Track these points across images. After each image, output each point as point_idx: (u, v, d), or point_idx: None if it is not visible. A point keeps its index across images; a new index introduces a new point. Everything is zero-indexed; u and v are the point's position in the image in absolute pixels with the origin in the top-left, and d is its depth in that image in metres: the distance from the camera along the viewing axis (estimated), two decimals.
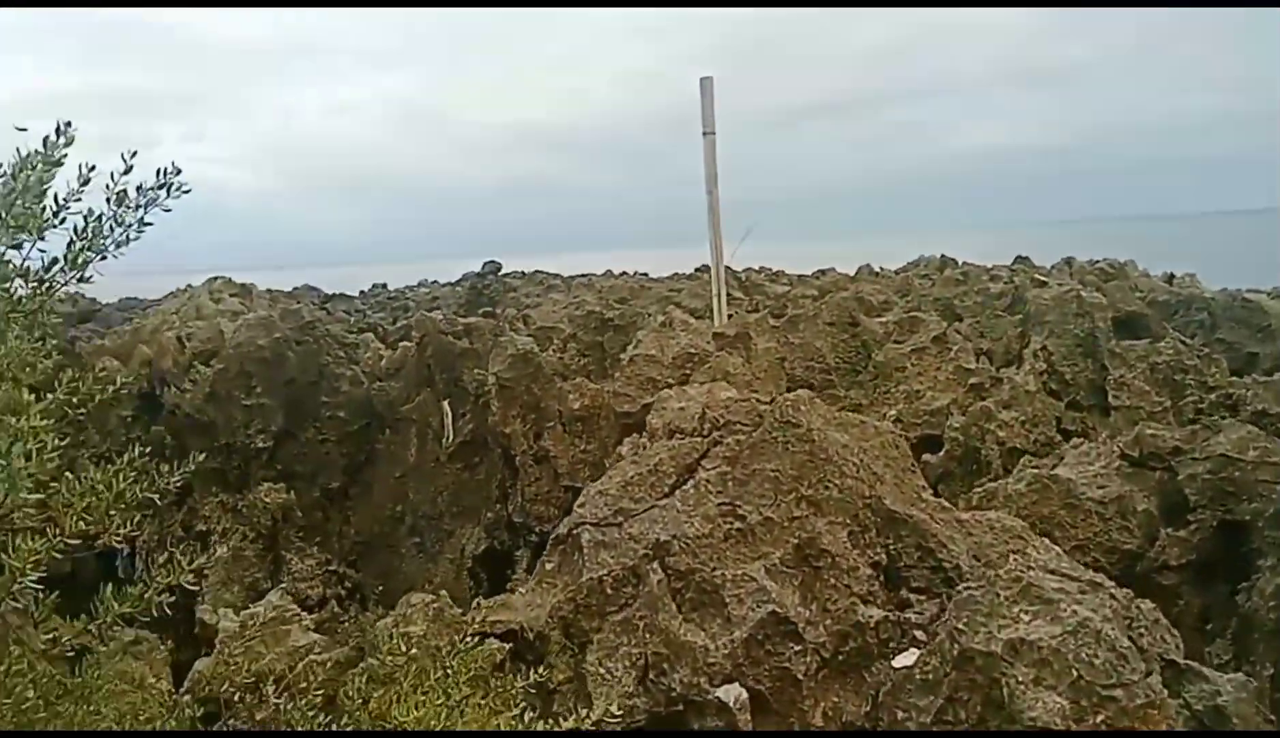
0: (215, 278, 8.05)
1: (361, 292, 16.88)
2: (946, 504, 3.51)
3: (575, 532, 2.89)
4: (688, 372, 6.88)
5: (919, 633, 2.68)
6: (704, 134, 7.53)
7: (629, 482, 3.12)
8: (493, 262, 13.38)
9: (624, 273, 14.03)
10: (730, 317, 8.61)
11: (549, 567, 2.87)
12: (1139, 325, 7.32)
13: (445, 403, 6.48)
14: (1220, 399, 6.15)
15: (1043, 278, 10.49)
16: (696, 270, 12.53)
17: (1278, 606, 3.20)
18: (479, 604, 2.79)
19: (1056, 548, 2.66)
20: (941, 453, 5.86)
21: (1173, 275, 11.36)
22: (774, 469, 3.17)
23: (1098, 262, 11.59)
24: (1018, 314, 7.54)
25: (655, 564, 2.76)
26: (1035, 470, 3.91)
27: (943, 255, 11.84)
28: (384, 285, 17.64)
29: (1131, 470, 3.86)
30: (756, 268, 12.83)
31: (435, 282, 18.58)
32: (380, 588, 5.71)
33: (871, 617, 2.75)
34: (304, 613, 3.85)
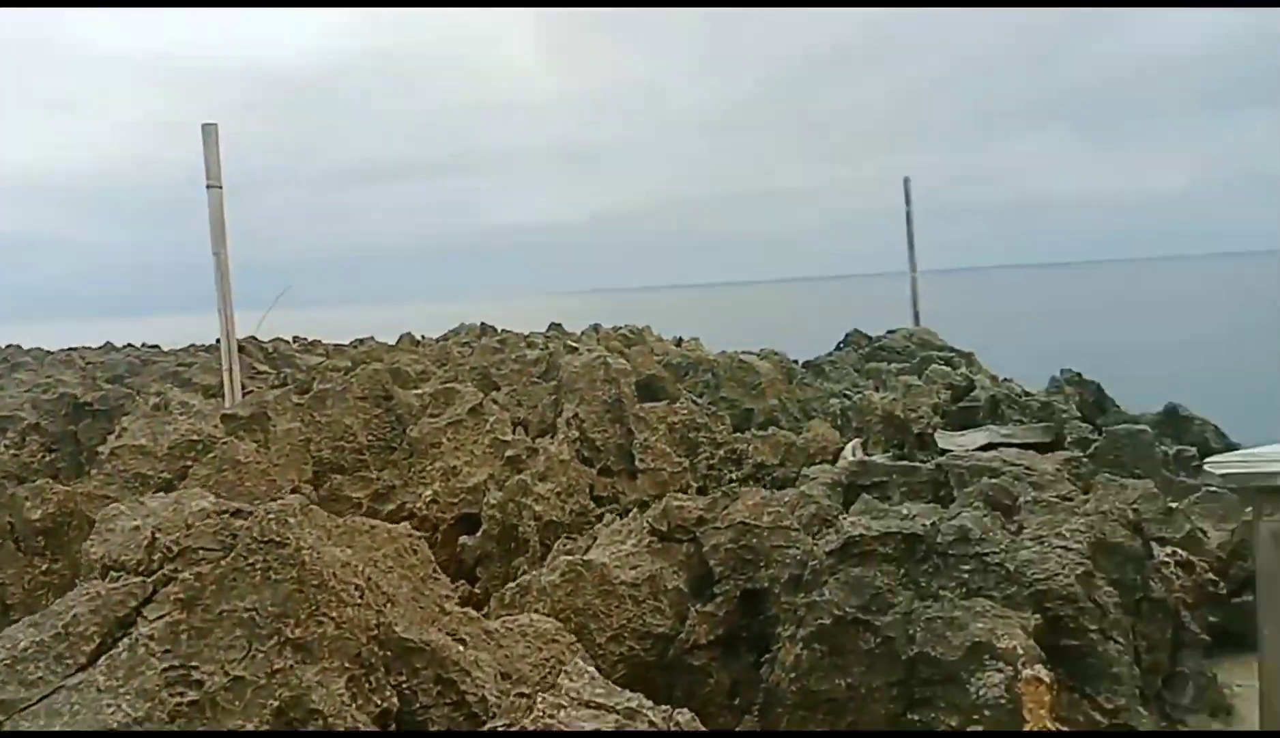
0: None
1: None
2: (474, 614, 2.96)
3: None
4: (188, 463, 5.68)
5: None
6: (208, 187, 6.44)
7: (20, 656, 2.11)
8: None
9: (129, 345, 11.90)
10: (249, 393, 7.45)
11: None
12: (657, 388, 7.54)
13: None
14: (728, 454, 6.45)
15: (574, 344, 10.69)
16: (218, 340, 11.00)
17: (798, 677, 3.09)
18: None
19: (590, 670, 2.22)
20: (479, 533, 5.38)
21: (681, 339, 12.29)
22: (249, 608, 2.37)
23: (621, 328, 12.18)
24: (552, 381, 7.41)
25: None
26: (568, 558, 3.52)
27: (482, 323, 11.64)
28: None
29: (661, 546, 3.63)
30: (290, 338, 11.61)
31: None
32: None
33: None
34: None
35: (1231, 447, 6.41)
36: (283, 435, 6.11)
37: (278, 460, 5.94)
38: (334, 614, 2.42)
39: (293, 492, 5.94)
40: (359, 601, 2.48)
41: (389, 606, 2.58)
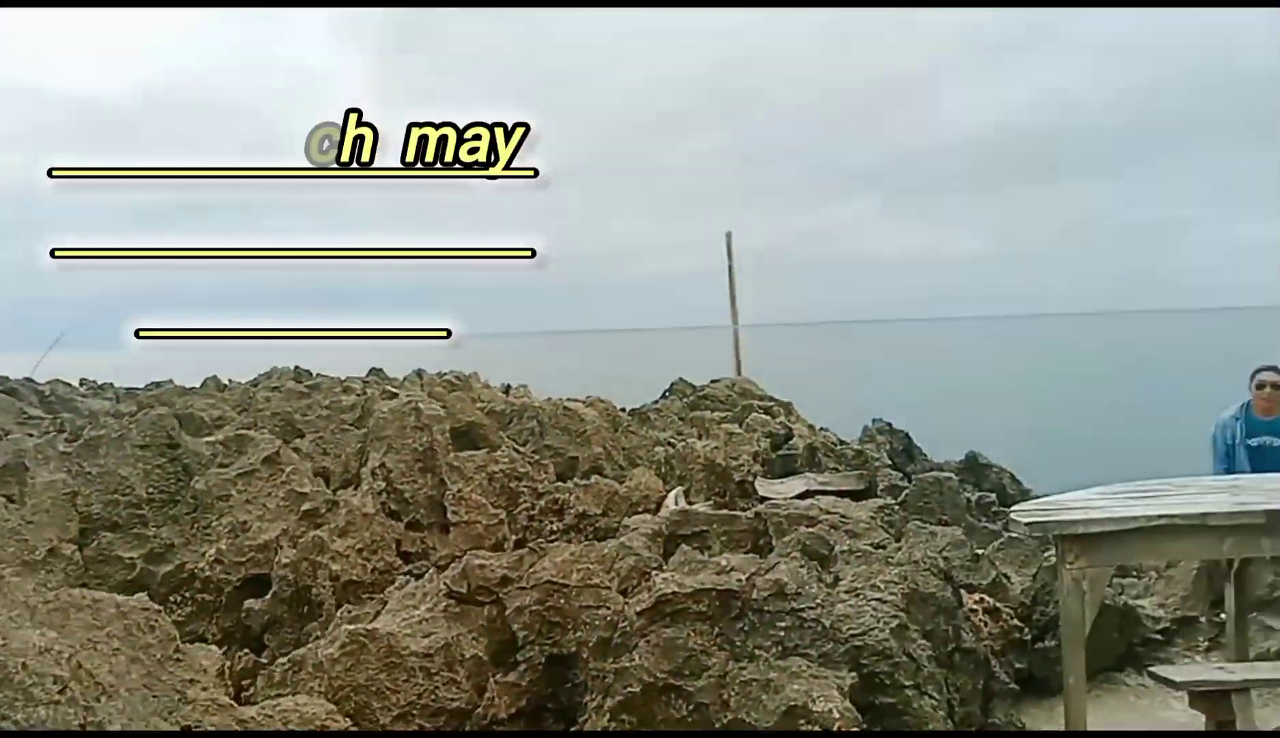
0: None
1: None
2: (224, 701, 2.47)
3: None
4: None
5: None
6: None
7: None
8: None
9: None
10: (8, 439, 6.50)
11: None
12: (477, 435, 7.12)
13: None
14: (549, 504, 6.09)
15: (394, 390, 10.07)
16: None
17: None
18: None
19: None
20: (269, 596, 4.78)
21: (509, 386, 11.86)
22: None
23: (446, 374, 11.62)
24: (364, 429, 6.86)
25: None
26: (351, 627, 3.07)
27: (296, 366, 10.79)
28: None
29: (459, 609, 3.24)
30: (75, 381, 10.39)
31: None
32: None
33: None
34: None
35: (1026, 493, 6.65)
36: (43, 489, 5.32)
37: (33, 517, 5.14)
38: (21, 715, 1.90)
39: (50, 553, 5.14)
40: (58, 697, 1.97)
41: (103, 699, 2.07)
